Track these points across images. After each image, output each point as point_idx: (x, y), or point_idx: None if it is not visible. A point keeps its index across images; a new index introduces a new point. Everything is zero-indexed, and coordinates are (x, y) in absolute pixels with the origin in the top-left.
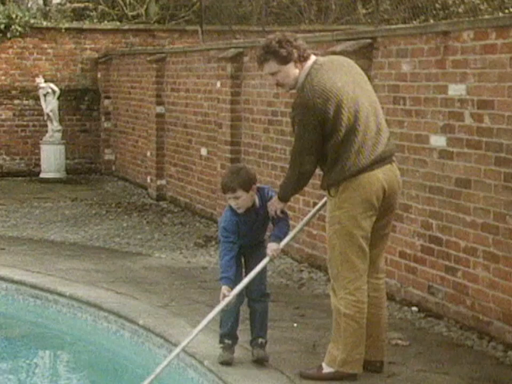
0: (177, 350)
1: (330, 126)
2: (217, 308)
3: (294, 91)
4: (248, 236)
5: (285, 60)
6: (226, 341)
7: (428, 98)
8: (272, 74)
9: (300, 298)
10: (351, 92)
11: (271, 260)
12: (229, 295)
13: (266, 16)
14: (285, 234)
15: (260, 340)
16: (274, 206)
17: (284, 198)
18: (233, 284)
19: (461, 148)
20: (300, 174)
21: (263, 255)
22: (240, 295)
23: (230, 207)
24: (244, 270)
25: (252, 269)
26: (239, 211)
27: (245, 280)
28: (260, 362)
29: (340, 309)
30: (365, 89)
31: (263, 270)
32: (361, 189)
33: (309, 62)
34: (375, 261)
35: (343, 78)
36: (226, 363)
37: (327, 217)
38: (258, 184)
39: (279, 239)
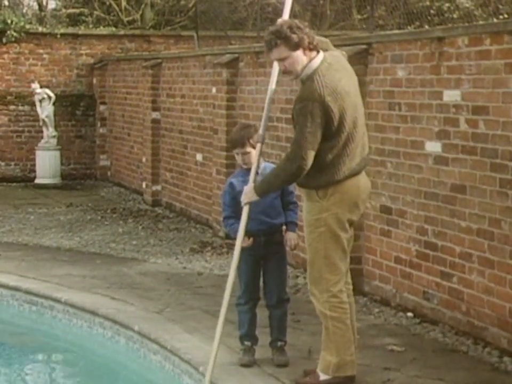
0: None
1: (333, 128)
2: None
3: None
4: (257, 202)
5: (295, 46)
6: (245, 342)
7: (423, 104)
8: (281, 60)
9: (295, 304)
10: (353, 98)
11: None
12: (245, 238)
13: (261, 21)
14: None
15: (279, 343)
16: (248, 197)
17: (263, 192)
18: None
19: (456, 154)
20: (298, 168)
21: (282, 259)
22: (255, 297)
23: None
24: (262, 275)
25: (270, 275)
26: (245, 166)
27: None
28: (281, 367)
29: (326, 313)
30: (359, 96)
31: (283, 276)
32: (350, 192)
33: (318, 56)
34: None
35: (348, 82)
36: (246, 365)
37: (308, 220)
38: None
39: (295, 225)
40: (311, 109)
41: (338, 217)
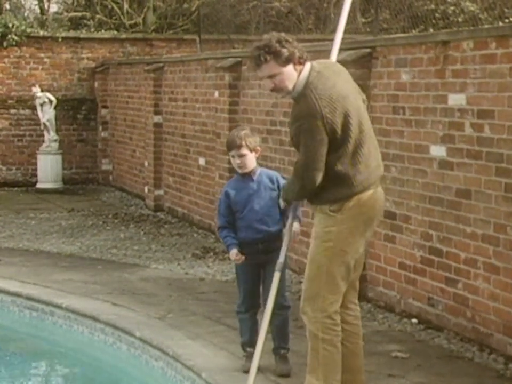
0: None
1: (338, 138)
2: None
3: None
4: (253, 210)
5: (286, 61)
6: (248, 349)
7: (427, 108)
8: (271, 77)
9: (298, 310)
10: (354, 102)
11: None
12: (238, 256)
13: (264, 25)
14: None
15: (282, 351)
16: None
17: (286, 200)
18: (237, 245)
19: (461, 158)
20: (302, 187)
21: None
22: (255, 305)
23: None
24: (261, 282)
25: (270, 282)
26: (240, 170)
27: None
28: (284, 377)
29: (317, 335)
30: (360, 98)
31: (283, 283)
32: (369, 205)
33: (306, 68)
34: (354, 284)
35: (345, 86)
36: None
37: (317, 232)
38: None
39: (298, 218)
40: (310, 126)
41: (350, 232)
